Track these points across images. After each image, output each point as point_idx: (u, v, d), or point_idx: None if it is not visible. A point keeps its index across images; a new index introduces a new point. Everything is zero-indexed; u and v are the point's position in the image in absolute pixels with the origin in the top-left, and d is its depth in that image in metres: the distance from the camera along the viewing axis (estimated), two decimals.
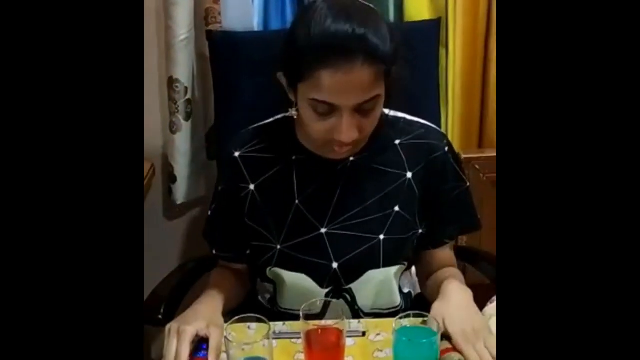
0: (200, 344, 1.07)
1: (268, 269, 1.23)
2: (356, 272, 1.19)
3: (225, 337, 0.98)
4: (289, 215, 1.19)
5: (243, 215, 1.22)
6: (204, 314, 1.09)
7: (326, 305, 1.11)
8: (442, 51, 1.65)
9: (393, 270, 1.21)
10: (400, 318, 1.00)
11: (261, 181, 1.21)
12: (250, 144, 1.22)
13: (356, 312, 1.23)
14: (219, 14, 1.62)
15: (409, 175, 1.20)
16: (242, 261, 1.29)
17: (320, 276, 1.19)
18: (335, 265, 1.18)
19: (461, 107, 1.71)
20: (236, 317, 1.02)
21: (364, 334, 1.12)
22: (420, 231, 1.23)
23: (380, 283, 1.21)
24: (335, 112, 1.03)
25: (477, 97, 1.72)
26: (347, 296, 1.21)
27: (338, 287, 1.20)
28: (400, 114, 1.23)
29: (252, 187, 1.21)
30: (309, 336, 1.00)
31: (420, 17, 1.62)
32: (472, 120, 1.74)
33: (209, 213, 1.30)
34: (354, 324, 1.14)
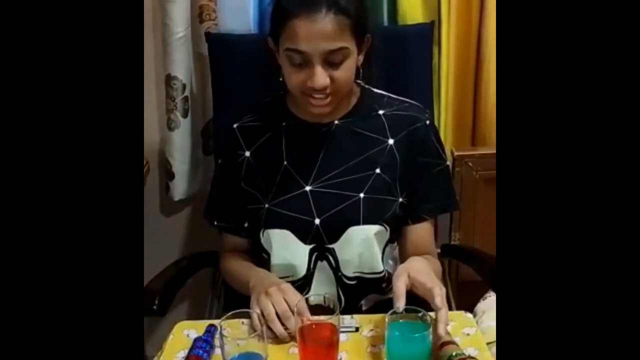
0: (197, 342, 1.08)
1: (261, 234, 1.29)
2: (338, 229, 1.25)
3: (220, 333, 0.99)
4: (277, 176, 1.29)
5: (240, 180, 1.32)
6: (273, 279, 1.21)
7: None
8: (435, 50, 1.65)
9: (373, 229, 1.25)
10: (393, 314, 1.01)
11: (255, 147, 1.32)
12: (247, 116, 1.35)
13: (339, 279, 1.27)
14: (214, 11, 1.63)
15: (391, 142, 1.29)
16: (241, 233, 1.35)
17: (304, 232, 1.26)
18: (317, 221, 1.25)
19: (454, 105, 1.72)
20: (230, 313, 1.03)
21: (357, 329, 1.13)
22: (400, 200, 1.28)
23: (362, 242, 1.25)
24: (308, 62, 1.15)
25: (469, 95, 1.73)
26: (331, 258, 1.26)
27: (321, 245, 1.26)
28: (385, 93, 1.34)
29: (247, 153, 1.32)
30: (302, 331, 1.01)
31: (413, 19, 1.63)
32: (465, 118, 1.74)
33: (209, 193, 1.41)
34: (347, 320, 1.15)
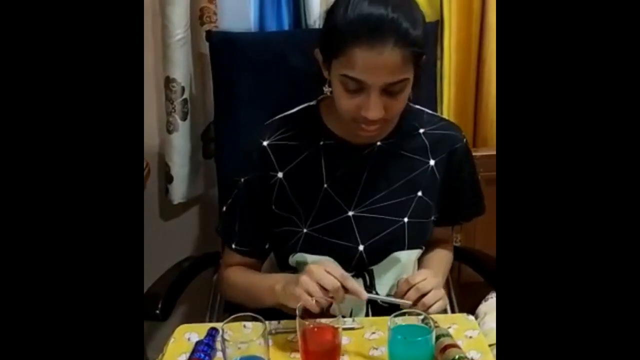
0: (198, 345, 1.07)
1: (291, 255, 1.24)
2: (381, 254, 1.22)
3: (221, 336, 0.98)
4: (317, 199, 1.22)
5: (269, 203, 1.23)
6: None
7: None
8: (437, 50, 1.65)
9: (415, 253, 1.25)
10: (396, 316, 1.00)
11: (289, 168, 1.22)
12: (277, 132, 1.24)
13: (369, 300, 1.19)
14: (214, 13, 1.63)
15: (432, 162, 1.25)
16: (259, 256, 1.30)
17: (346, 259, 1.20)
18: (361, 247, 1.21)
19: (455, 106, 1.72)
20: (232, 316, 1.02)
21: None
22: (433, 217, 1.28)
23: (402, 267, 1.23)
24: (364, 90, 1.07)
25: (470, 96, 1.73)
26: (367, 277, 1.23)
27: (361, 269, 1.23)
28: (422, 108, 1.29)
29: (280, 174, 1.22)
30: (305, 334, 1.00)
31: None
32: (466, 119, 1.74)
33: (224, 209, 1.30)
34: (349, 322, 1.15)
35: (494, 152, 1.63)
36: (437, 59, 1.65)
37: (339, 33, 1.06)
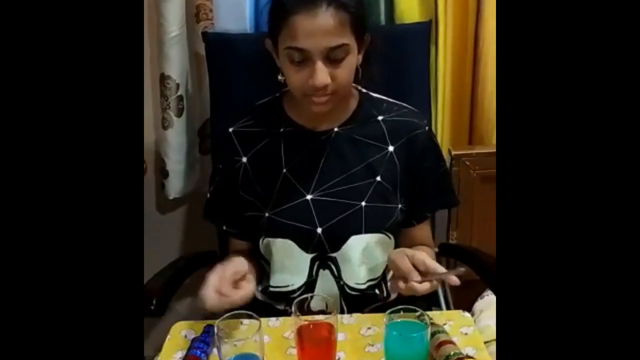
0: (195, 342, 1.07)
1: (260, 241, 1.28)
2: (340, 238, 1.24)
3: (217, 334, 0.99)
4: (277, 184, 1.26)
5: (238, 187, 1.29)
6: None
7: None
8: (432, 49, 1.65)
9: (375, 238, 1.25)
10: (391, 313, 1.00)
11: (252, 153, 1.29)
12: (242, 120, 1.31)
13: (342, 288, 1.27)
14: (210, 10, 1.63)
15: (391, 149, 1.27)
16: (248, 238, 1.34)
17: (306, 241, 1.24)
18: (319, 230, 1.23)
19: (451, 104, 1.72)
20: (228, 314, 1.02)
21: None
22: (400, 206, 1.28)
23: (363, 251, 1.25)
24: (309, 60, 1.13)
25: (467, 94, 1.73)
26: (333, 267, 1.25)
27: (323, 254, 1.25)
28: (384, 97, 1.32)
29: (244, 159, 1.29)
30: (300, 331, 1.00)
31: (410, 18, 1.62)
32: (462, 117, 1.74)
33: (209, 195, 1.37)
34: (346, 319, 1.15)
35: (490, 150, 1.65)
36: (432, 56, 1.65)
37: (279, 6, 1.13)
